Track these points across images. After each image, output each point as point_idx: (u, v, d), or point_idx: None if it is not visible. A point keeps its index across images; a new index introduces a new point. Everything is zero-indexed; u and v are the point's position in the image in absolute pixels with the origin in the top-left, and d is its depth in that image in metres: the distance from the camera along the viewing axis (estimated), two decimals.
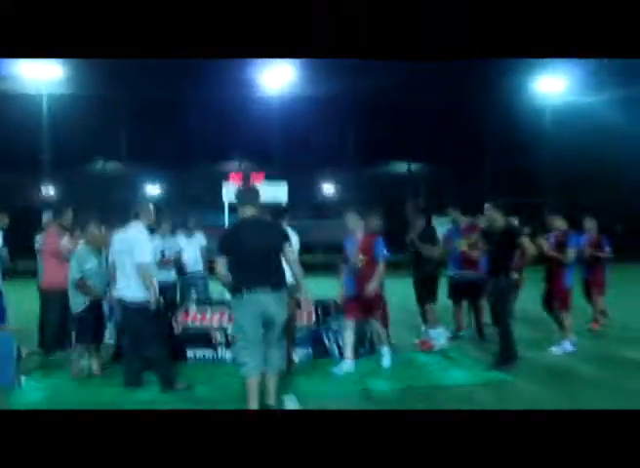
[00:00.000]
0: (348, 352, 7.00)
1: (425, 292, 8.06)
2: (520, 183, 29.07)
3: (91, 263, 6.73)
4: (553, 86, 28.83)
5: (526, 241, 6.93)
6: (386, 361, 7.14)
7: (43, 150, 27.64)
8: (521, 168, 29.99)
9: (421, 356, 7.70)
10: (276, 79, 26.77)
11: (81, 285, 6.67)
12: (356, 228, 7.11)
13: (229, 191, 8.56)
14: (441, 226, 8.94)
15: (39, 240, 8.51)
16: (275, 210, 6.84)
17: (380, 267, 6.91)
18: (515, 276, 7.06)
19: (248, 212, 5.46)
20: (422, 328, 8.30)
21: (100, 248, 6.93)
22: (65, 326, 7.78)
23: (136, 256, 6.05)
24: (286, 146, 27.89)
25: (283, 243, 5.46)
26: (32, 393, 6.29)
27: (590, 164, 27.80)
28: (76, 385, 6.56)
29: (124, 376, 6.37)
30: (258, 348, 5.23)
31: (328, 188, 32.30)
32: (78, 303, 6.77)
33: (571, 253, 7.76)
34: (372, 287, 6.80)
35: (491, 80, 26.09)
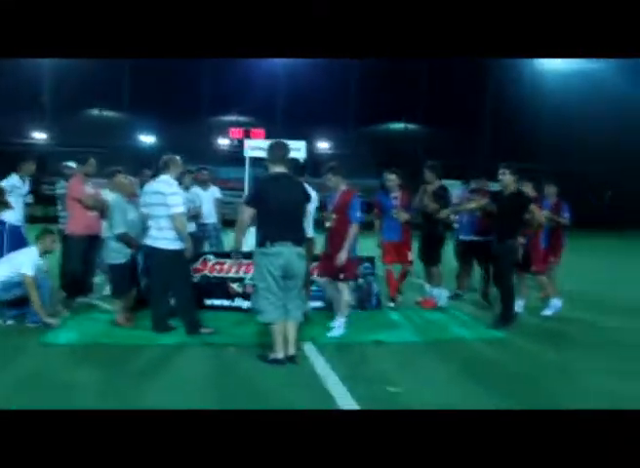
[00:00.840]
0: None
1: (432, 253, 8.36)
2: (519, 148, 29.28)
3: (132, 214, 6.87)
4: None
5: (535, 208, 7.29)
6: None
7: (44, 93, 27.39)
8: (519, 132, 30.10)
9: (425, 313, 8.14)
10: None
11: (126, 237, 6.79)
12: (395, 186, 8.09)
13: (252, 146, 8.73)
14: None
15: (61, 187, 8.81)
16: (295, 166, 6.87)
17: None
18: (521, 240, 7.41)
19: (277, 168, 5.70)
20: (427, 287, 8.71)
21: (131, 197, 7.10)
22: (87, 271, 8.19)
23: (170, 208, 6.34)
24: (285, 104, 27.83)
25: (306, 200, 5.85)
26: (68, 331, 6.62)
27: (589, 131, 28.01)
28: (107, 327, 6.85)
29: (153, 322, 6.66)
30: (278, 298, 5.57)
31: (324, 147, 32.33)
32: (119, 255, 6.86)
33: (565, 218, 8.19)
34: None
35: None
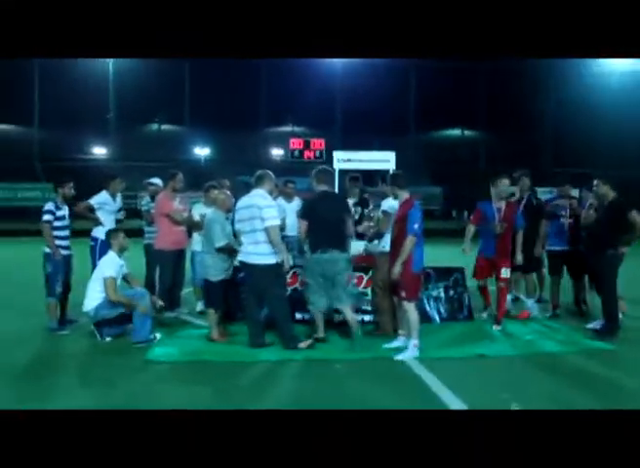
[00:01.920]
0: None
1: (529, 263, 8.05)
2: (579, 153, 28.57)
3: (228, 228, 6.88)
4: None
5: (636, 215, 7.00)
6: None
7: (110, 110, 28.16)
8: (580, 137, 29.32)
9: (519, 324, 7.83)
10: None
11: (230, 249, 6.76)
12: (503, 195, 7.68)
13: (339, 159, 8.72)
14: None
15: (146, 203, 8.94)
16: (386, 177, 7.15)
17: (520, 236, 7.70)
18: (623, 250, 7.11)
19: (323, 187, 6.81)
20: (522, 297, 8.43)
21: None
22: (176, 285, 8.26)
23: (266, 222, 6.33)
24: (342, 114, 27.85)
25: (347, 214, 6.88)
26: (168, 348, 6.62)
27: None
28: (204, 343, 6.83)
29: (250, 338, 6.63)
30: (323, 293, 6.64)
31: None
32: (216, 272, 6.83)
33: None
34: (519, 257, 7.67)
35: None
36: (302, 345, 6.50)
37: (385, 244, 6.88)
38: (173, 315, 8.13)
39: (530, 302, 8.21)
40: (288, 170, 29.04)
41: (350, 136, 29.44)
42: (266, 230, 6.37)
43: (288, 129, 35.61)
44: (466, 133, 35.07)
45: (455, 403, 4.90)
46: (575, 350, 6.69)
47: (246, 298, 6.84)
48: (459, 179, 24.12)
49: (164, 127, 36.64)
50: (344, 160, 8.66)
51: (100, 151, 36.33)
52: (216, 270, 6.81)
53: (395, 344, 6.64)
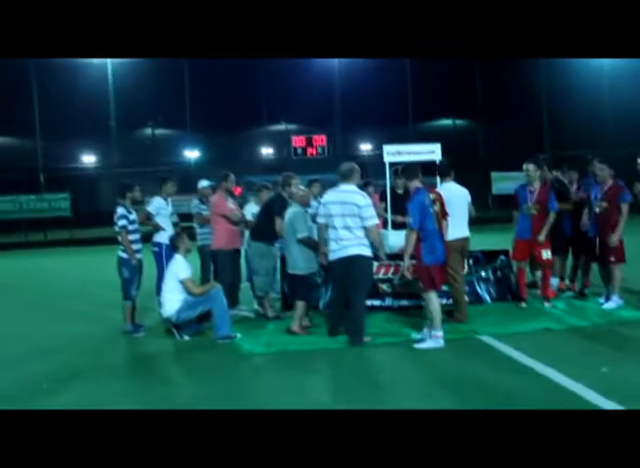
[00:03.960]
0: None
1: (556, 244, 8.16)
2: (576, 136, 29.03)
3: (310, 221, 7.12)
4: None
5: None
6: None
7: (110, 116, 28.19)
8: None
9: (562, 302, 8.10)
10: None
11: (310, 241, 6.98)
12: (535, 178, 7.81)
13: (389, 152, 8.98)
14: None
15: (195, 205, 9.18)
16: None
17: (551, 217, 7.65)
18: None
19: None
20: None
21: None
22: (235, 284, 8.53)
23: (367, 221, 6.40)
24: (341, 109, 28.13)
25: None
26: (253, 343, 6.86)
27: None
28: (283, 335, 7.08)
29: (328, 327, 6.88)
30: None
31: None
32: (303, 266, 7.06)
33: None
34: (542, 236, 7.59)
35: None
36: (366, 340, 6.57)
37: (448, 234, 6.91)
38: (234, 313, 8.40)
39: (554, 281, 8.45)
40: (288, 168, 29.49)
41: (349, 131, 29.84)
42: (366, 229, 6.40)
43: (283, 127, 35.76)
44: (460, 122, 35.65)
45: (552, 374, 5.23)
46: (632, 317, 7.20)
47: (334, 293, 6.98)
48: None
49: (158, 131, 36.61)
50: (394, 153, 8.94)
51: (89, 160, 36.56)
52: (306, 262, 7.03)
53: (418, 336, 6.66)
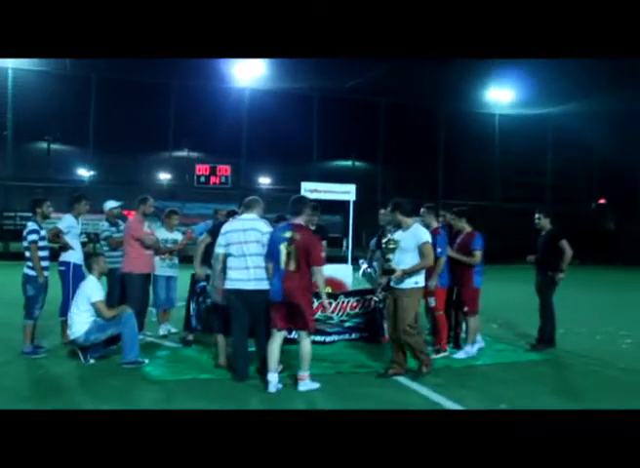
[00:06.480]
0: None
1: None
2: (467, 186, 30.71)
3: None
4: (502, 96, 30.62)
5: (566, 244, 8.16)
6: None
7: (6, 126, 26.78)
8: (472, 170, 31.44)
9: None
10: (246, 72, 27.13)
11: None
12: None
13: (306, 189, 9.18)
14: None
15: (105, 228, 8.95)
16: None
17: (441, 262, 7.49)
18: (561, 275, 8.19)
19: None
20: None
21: None
22: (144, 310, 8.41)
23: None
24: (249, 140, 28.29)
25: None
26: (161, 368, 6.86)
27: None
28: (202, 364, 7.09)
29: (237, 372, 6.51)
30: None
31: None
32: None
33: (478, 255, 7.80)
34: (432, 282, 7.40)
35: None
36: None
37: None
38: (140, 338, 8.25)
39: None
40: (189, 195, 29.42)
41: (255, 164, 30.04)
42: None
43: (185, 154, 35.55)
44: (359, 164, 36.88)
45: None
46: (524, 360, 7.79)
47: (236, 331, 6.52)
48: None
49: (54, 146, 35.31)
50: (311, 190, 9.17)
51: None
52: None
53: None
